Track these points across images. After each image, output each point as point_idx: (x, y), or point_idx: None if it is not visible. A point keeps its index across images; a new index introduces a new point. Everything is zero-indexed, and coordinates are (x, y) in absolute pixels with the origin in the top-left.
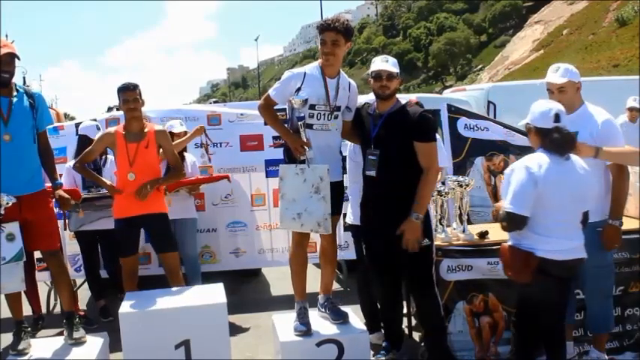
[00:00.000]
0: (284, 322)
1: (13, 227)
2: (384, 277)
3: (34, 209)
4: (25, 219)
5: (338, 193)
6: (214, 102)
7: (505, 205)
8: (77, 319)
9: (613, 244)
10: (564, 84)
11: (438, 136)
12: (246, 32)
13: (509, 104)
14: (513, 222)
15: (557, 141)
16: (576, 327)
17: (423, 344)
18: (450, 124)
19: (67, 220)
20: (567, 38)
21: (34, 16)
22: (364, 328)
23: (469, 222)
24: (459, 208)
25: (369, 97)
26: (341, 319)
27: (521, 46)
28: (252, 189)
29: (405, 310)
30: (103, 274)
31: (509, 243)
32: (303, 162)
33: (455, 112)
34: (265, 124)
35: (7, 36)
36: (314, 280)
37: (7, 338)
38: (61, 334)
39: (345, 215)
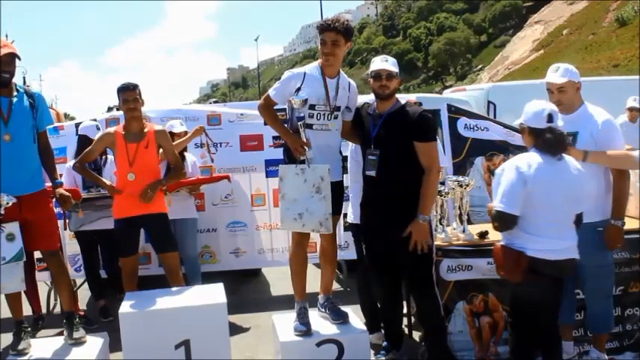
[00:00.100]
0: (284, 322)
1: (13, 227)
2: (384, 277)
3: (34, 209)
4: (25, 219)
5: (338, 193)
6: (214, 102)
7: (495, 204)
8: (77, 319)
9: (615, 244)
10: (564, 84)
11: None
12: (246, 32)
13: (509, 104)
14: (504, 221)
15: (549, 141)
16: (576, 327)
17: (423, 344)
18: (450, 124)
19: (67, 220)
20: (567, 38)
21: (34, 16)
22: (364, 328)
23: (469, 222)
24: (459, 208)
25: (369, 97)
26: (341, 319)
27: (521, 46)
28: (252, 189)
29: (405, 310)
30: (103, 274)
31: (502, 242)
32: (303, 162)
33: (455, 112)
34: (265, 124)
35: (7, 36)
36: (314, 280)
37: (7, 338)
38: (61, 334)
39: (345, 215)
